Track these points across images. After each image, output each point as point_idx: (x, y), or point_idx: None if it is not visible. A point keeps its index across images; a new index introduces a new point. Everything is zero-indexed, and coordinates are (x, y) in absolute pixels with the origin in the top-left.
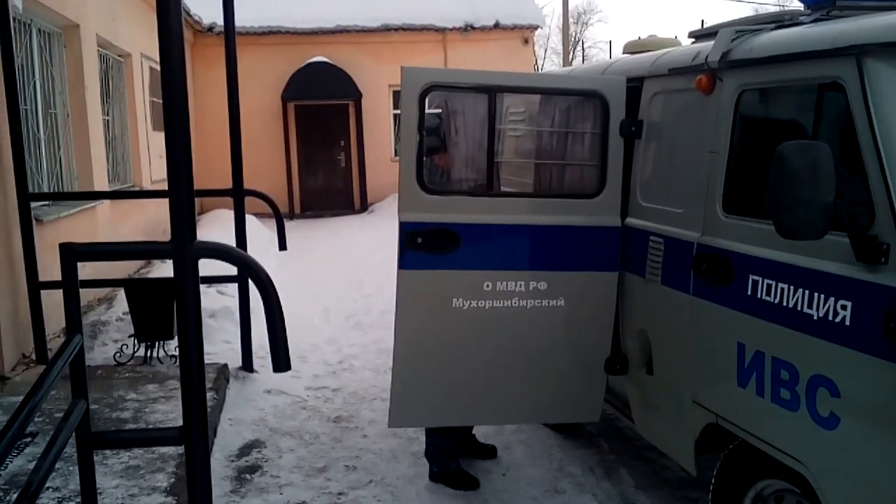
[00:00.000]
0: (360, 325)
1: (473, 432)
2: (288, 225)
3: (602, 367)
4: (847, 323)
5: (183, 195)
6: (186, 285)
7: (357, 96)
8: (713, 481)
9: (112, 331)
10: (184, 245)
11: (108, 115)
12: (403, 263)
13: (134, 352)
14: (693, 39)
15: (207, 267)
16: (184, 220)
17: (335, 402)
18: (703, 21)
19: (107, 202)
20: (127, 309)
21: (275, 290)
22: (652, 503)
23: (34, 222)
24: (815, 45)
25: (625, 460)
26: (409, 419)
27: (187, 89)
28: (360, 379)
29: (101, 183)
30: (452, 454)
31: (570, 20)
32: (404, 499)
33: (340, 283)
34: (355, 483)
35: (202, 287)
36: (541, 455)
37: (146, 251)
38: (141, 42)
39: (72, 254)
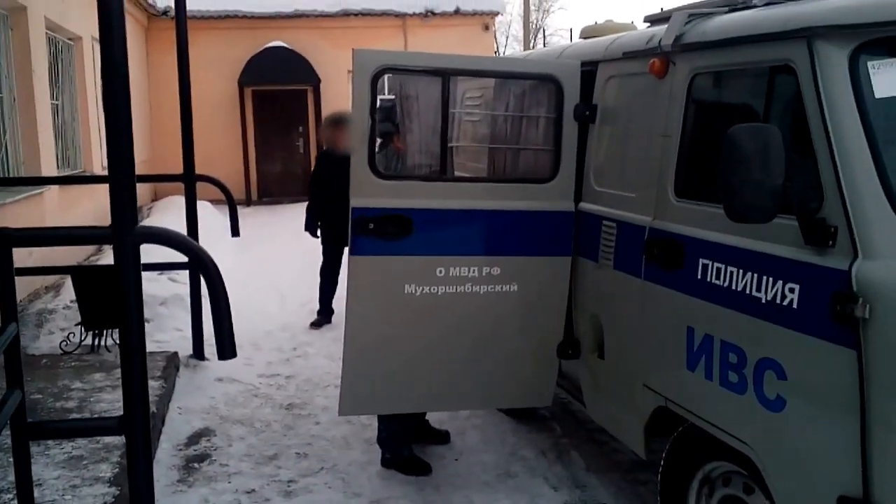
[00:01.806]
0: (315, 313)
1: (427, 418)
2: (245, 211)
3: (555, 352)
4: (795, 306)
5: (124, 178)
6: (127, 272)
7: (316, 82)
8: (662, 464)
9: (59, 319)
10: (124, 230)
11: (57, 99)
12: (355, 249)
13: (81, 340)
14: (648, 24)
15: (160, 254)
16: (124, 204)
17: (288, 389)
18: (661, 7)
19: (55, 188)
20: (74, 297)
21: (219, 274)
22: (603, 486)
23: None
24: (766, 27)
25: (577, 443)
26: (361, 407)
27: (128, 69)
28: (314, 366)
29: (49, 168)
30: (405, 440)
31: (531, 7)
32: (356, 485)
33: (297, 270)
34: (306, 470)
35: (153, 274)
36: (494, 440)
37: (85, 236)
38: (91, 25)
39: (6, 239)
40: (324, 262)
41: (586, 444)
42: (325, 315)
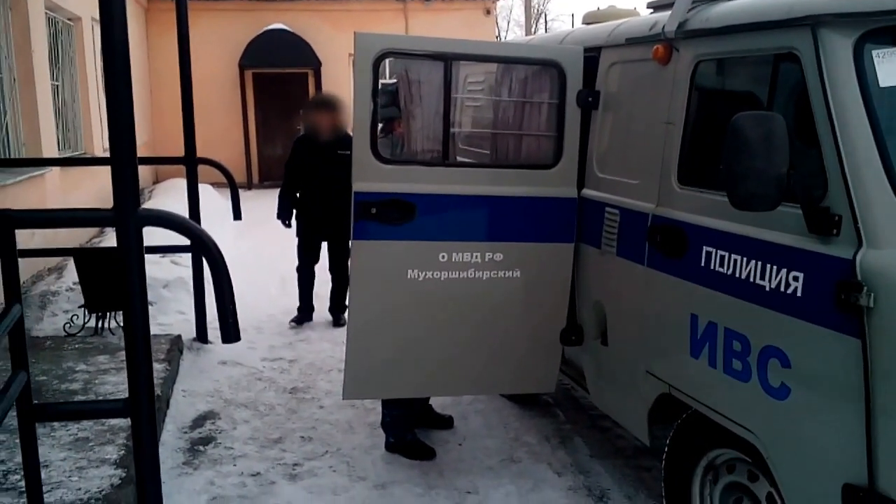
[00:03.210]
0: (317, 296)
1: (430, 403)
2: (246, 195)
3: (558, 338)
4: (799, 294)
5: (125, 160)
6: (130, 254)
7: (316, 65)
8: (666, 450)
9: (62, 301)
10: (127, 212)
11: (57, 80)
12: (357, 234)
13: (84, 322)
14: (651, 10)
15: (162, 236)
16: (126, 186)
17: (291, 373)
18: None
19: (56, 170)
20: (77, 279)
21: (222, 258)
22: (606, 472)
23: None
24: (770, 15)
25: (580, 430)
26: (364, 391)
27: (129, 50)
28: (316, 350)
29: (50, 150)
30: (409, 424)
31: None
32: (360, 469)
33: None
34: (311, 454)
35: (156, 257)
36: (497, 425)
37: (87, 219)
38: (91, 6)
39: (9, 221)
40: (300, 259)
41: (590, 430)
42: (305, 313)
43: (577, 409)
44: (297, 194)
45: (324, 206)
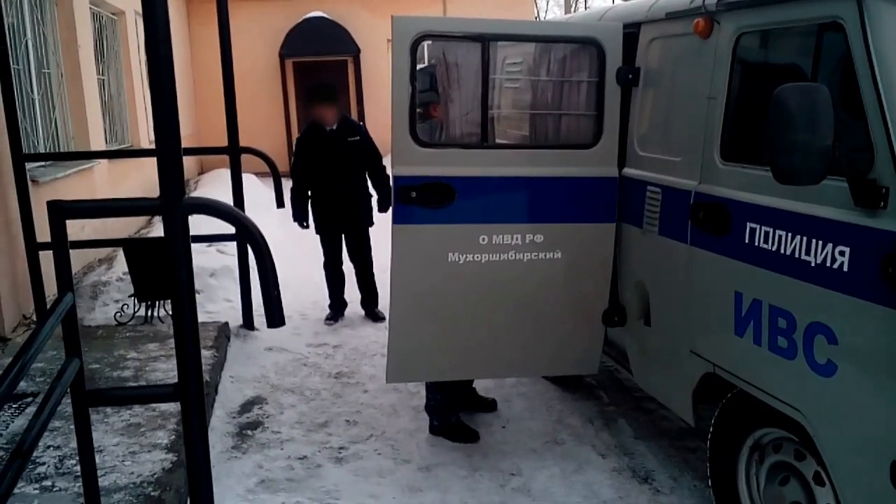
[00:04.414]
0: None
1: (473, 386)
2: (288, 183)
3: (600, 319)
4: (845, 269)
5: (171, 150)
6: (177, 242)
7: (356, 52)
8: (711, 431)
9: (112, 291)
10: (172, 201)
11: (103, 74)
12: (398, 218)
13: (135, 311)
14: None
15: (207, 225)
16: (172, 175)
17: (336, 358)
18: None
19: (104, 162)
20: (126, 269)
21: (266, 244)
22: (651, 453)
23: (30, 183)
24: None
25: (624, 411)
26: (407, 374)
27: (171, 43)
28: (360, 335)
29: (97, 143)
30: (452, 408)
31: None
32: (405, 452)
33: None
34: (356, 437)
35: (202, 246)
36: (540, 407)
37: (135, 208)
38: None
39: (60, 211)
40: (325, 256)
41: (633, 411)
42: (338, 309)
43: (621, 390)
44: (309, 192)
45: (340, 197)
